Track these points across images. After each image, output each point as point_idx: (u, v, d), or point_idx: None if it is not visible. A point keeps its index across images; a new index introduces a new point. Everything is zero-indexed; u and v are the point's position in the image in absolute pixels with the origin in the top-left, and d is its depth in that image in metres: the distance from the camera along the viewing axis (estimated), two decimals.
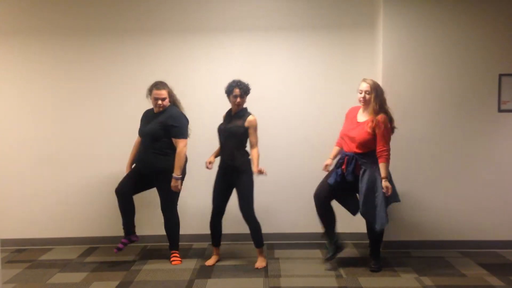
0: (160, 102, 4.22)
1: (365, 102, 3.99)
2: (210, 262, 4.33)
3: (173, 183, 4.23)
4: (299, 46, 4.94)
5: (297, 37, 4.93)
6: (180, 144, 4.24)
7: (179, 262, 4.38)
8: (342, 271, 4.12)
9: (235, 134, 4.17)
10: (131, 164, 4.49)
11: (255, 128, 4.18)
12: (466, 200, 4.68)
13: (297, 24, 4.92)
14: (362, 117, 4.05)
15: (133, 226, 4.45)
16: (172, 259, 4.40)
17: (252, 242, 4.30)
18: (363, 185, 3.93)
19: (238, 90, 4.13)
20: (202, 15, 4.92)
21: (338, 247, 4.17)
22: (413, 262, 4.33)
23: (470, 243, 4.68)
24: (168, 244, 4.47)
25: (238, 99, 4.13)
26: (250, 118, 4.17)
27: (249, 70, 4.91)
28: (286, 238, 4.94)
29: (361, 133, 3.95)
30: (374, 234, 4.08)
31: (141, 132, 4.34)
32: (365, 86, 3.98)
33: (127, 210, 4.38)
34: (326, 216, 4.15)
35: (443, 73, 4.64)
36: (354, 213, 4.15)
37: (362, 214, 3.99)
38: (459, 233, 4.69)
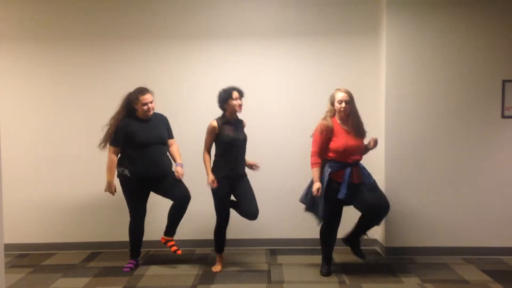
0: (150, 105, 4.25)
1: (345, 111, 4.01)
2: (217, 268, 4.32)
3: (181, 171, 4.34)
4: (302, 52, 4.96)
5: (300, 43, 4.95)
6: (175, 142, 4.49)
7: (180, 251, 4.41)
8: (345, 277, 4.11)
9: (245, 143, 4.27)
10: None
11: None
12: (470, 206, 4.67)
13: (301, 30, 4.94)
14: (345, 127, 4.05)
15: (140, 251, 4.53)
16: (173, 248, 4.36)
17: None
18: (371, 185, 4.04)
19: (237, 92, 4.18)
20: (205, 21, 4.94)
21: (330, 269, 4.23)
22: (416, 269, 4.32)
23: (473, 249, 4.67)
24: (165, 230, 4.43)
25: (240, 101, 4.17)
26: (244, 122, 4.34)
27: (252, 76, 4.93)
28: (289, 243, 4.93)
29: (360, 141, 4.06)
30: (373, 219, 4.12)
31: (150, 139, 4.23)
32: (344, 96, 4.00)
33: (139, 237, 4.45)
34: (333, 242, 4.19)
35: (446, 78, 4.64)
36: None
37: (386, 205, 4.07)
38: (462, 239, 4.68)
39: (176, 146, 4.48)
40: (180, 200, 4.33)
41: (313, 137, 4.08)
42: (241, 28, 4.95)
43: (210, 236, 4.91)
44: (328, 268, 4.18)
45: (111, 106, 4.91)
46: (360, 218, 4.17)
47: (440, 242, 4.69)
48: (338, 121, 4.07)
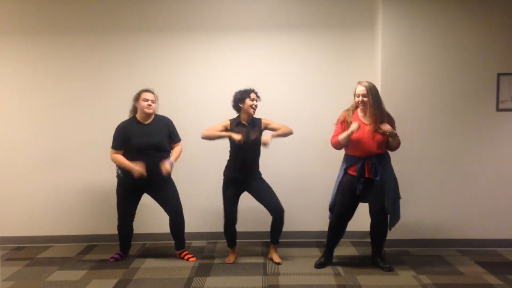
0: (150, 103, 4.23)
1: (364, 105, 4.00)
2: (230, 259, 4.35)
3: (168, 168, 4.19)
4: (298, 45, 4.95)
5: (296, 36, 4.94)
6: (179, 145, 4.41)
7: (195, 258, 4.45)
8: (340, 269, 4.13)
9: (259, 145, 4.23)
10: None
11: (271, 121, 4.28)
12: (465, 198, 4.69)
13: (296, 23, 4.93)
14: (366, 120, 4.03)
15: (130, 246, 4.56)
16: (187, 256, 4.44)
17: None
18: (388, 186, 3.99)
19: (255, 94, 4.20)
20: (201, 14, 4.93)
21: (329, 260, 4.25)
22: (411, 261, 4.34)
23: (468, 241, 4.70)
24: (174, 243, 4.52)
25: (255, 103, 4.19)
26: (263, 119, 4.28)
27: (247, 69, 4.92)
28: (285, 236, 4.93)
29: (380, 135, 3.97)
30: (384, 234, 4.14)
31: (145, 145, 4.18)
32: (362, 89, 3.98)
33: (128, 236, 4.49)
34: (340, 236, 4.21)
35: (442, 72, 4.65)
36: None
37: (389, 212, 4.03)
38: (457, 231, 4.71)
39: (179, 148, 4.39)
40: (174, 215, 4.39)
41: (335, 126, 4.10)
42: (236, 21, 4.93)
43: (206, 229, 4.94)
44: (321, 261, 4.19)
45: (107, 101, 4.93)
46: (370, 234, 4.22)
47: (435, 235, 4.72)
48: (360, 114, 4.05)
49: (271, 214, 4.26)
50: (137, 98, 4.27)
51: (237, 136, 4.05)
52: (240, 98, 4.19)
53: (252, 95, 4.19)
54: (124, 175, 4.25)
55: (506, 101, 4.64)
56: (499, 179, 4.68)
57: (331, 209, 4.18)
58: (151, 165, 4.18)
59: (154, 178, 4.23)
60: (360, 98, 3.98)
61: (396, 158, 4.60)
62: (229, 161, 4.28)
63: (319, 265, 4.17)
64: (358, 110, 4.08)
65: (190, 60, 4.96)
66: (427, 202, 4.70)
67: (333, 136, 4.07)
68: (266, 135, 4.14)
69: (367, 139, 3.95)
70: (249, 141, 4.15)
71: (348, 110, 4.11)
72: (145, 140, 4.19)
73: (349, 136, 3.93)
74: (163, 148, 4.26)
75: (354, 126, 3.92)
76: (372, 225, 4.17)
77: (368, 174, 3.98)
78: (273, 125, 4.25)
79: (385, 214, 4.03)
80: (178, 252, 4.49)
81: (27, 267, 4.34)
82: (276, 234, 4.31)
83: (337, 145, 4.04)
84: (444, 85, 4.66)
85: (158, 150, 4.23)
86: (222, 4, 4.93)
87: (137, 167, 4.12)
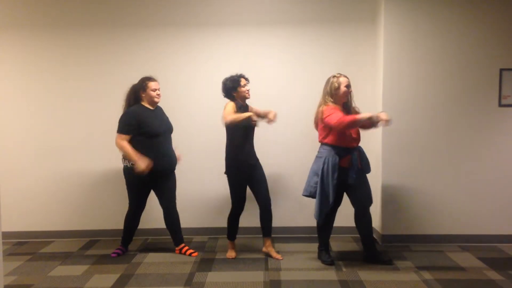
0: (158, 92, 4.26)
1: (349, 96, 4.05)
2: (232, 254, 4.35)
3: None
4: (300, 40, 4.94)
5: (297, 31, 4.93)
6: None
7: (197, 253, 4.44)
8: (342, 264, 4.13)
9: (253, 129, 4.26)
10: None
11: (256, 108, 4.33)
12: (466, 194, 4.69)
13: (298, 19, 4.91)
14: (346, 111, 4.02)
15: (131, 240, 4.56)
16: (189, 251, 4.41)
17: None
18: (364, 178, 4.10)
19: (245, 80, 4.20)
20: (203, 9, 4.91)
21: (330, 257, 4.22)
22: (412, 256, 4.34)
23: (469, 237, 4.69)
24: (171, 240, 4.50)
25: (248, 87, 4.19)
26: (250, 106, 4.31)
27: (249, 64, 4.90)
28: (286, 231, 4.95)
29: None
30: (371, 222, 4.15)
31: (162, 128, 4.24)
32: (348, 80, 4.02)
33: (133, 229, 4.48)
34: (330, 228, 4.22)
35: (444, 67, 4.64)
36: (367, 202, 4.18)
37: (370, 200, 4.14)
38: (459, 227, 4.70)
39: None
40: (166, 209, 4.38)
41: (327, 116, 3.90)
42: (237, 17, 4.92)
43: (207, 224, 4.94)
44: (330, 256, 4.18)
45: (107, 96, 4.92)
46: (358, 228, 4.18)
47: (436, 230, 4.71)
48: (339, 107, 4.04)
49: (260, 206, 4.25)
50: (143, 88, 4.24)
51: (255, 116, 4.05)
52: (232, 87, 4.17)
53: (243, 82, 4.18)
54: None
55: (508, 97, 4.63)
56: (501, 174, 4.67)
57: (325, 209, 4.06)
58: (167, 149, 4.26)
59: (167, 164, 4.26)
60: (350, 89, 4.02)
61: (397, 153, 4.60)
62: (236, 148, 4.16)
63: (332, 261, 4.13)
64: (337, 103, 4.01)
65: (193, 56, 4.95)
66: (429, 197, 4.69)
67: (343, 116, 3.82)
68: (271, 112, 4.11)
69: (356, 130, 4.01)
70: (252, 125, 4.20)
71: (327, 105, 3.99)
72: (161, 124, 4.24)
73: (368, 119, 3.77)
74: (172, 132, 4.37)
75: (383, 115, 3.73)
76: (360, 215, 4.11)
77: (360, 165, 4.03)
78: (260, 111, 4.26)
79: (370, 203, 4.12)
80: (177, 249, 4.46)
81: (29, 262, 4.35)
82: (267, 226, 4.29)
83: (350, 125, 3.80)
84: (446, 81, 4.64)
85: (170, 133, 4.34)
86: (223, 0, 4.91)
87: (141, 162, 4.07)
